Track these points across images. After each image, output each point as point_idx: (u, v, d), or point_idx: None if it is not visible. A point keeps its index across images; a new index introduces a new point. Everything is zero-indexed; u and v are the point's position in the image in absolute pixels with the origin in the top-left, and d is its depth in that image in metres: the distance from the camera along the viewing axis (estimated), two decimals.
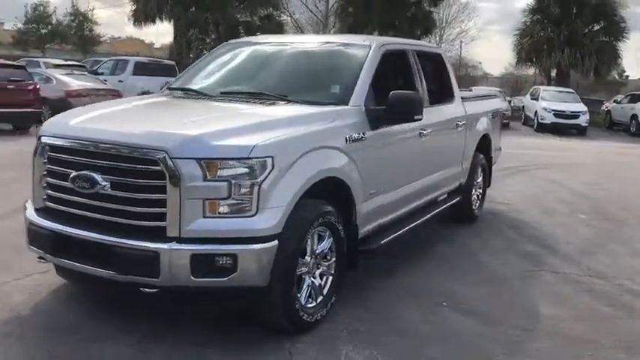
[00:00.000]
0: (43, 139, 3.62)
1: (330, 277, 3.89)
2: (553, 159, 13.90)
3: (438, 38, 51.91)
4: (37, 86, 14.10)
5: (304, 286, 3.66)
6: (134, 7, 30.81)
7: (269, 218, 3.25)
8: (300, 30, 36.89)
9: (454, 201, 6.06)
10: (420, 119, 4.41)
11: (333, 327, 3.78)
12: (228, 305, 3.71)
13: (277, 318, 3.50)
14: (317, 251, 3.74)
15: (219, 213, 3.17)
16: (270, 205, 3.25)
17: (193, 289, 3.23)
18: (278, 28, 30.62)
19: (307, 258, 3.66)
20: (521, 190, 9.25)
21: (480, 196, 7.05)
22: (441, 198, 5.93)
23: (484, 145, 6.94)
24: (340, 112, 4.04)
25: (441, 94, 5.85)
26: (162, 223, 3.16)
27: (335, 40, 5.07)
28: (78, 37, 47.97)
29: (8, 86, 13.18)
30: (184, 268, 3.13)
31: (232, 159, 3.18)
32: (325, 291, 3.85)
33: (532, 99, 25.21)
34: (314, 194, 3.61)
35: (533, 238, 6.29)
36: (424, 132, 5.01)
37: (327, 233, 3.79)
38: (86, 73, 18.88)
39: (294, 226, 3.41)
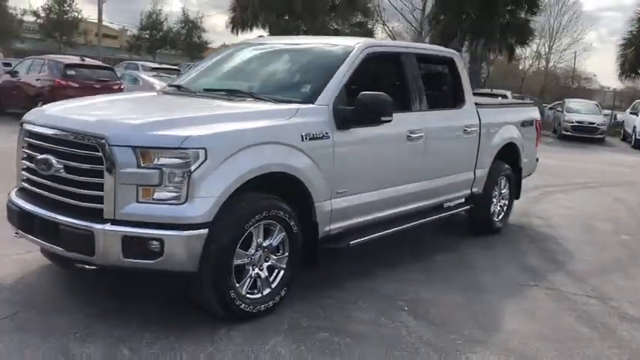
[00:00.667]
0: (23, 126, 4.01)
1: (282, 271, 3.97)
2: (632, 177, 12.96)
3: (545, 48, 49.70)
4: (122, 86, 15.20)
5: (246, 277, 3.76)
6: (232, 15, 32.17)
7: (199, 207, 3.40)
8: (393, 38, 36.81)
9: (460, 210, 5.90)
10: (388, 121, 4.36)
11: (278, 319, 3.85)
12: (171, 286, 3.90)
13: (210, 304, 3.64)
14: (264, 244, 3.83)
15: (151, 199, 3.37)
16: (200, 194, 3.40)
17: (126, 269, 3.45)
18: (368, 36, 30.73)
19: (252, 250, 3.77)
20: (576, 206, 8.76)
21: (505, 208, 6.77)
22: (449, 205, 5.80)
23: (510, 155, 6.69)
24: (302, 110, 4.11)
25: (448, 99, 5.74)
26: (100, 206, 3.41)
27: (328, 41, 5.13)
28: (187, 44, 51.07)
29: (95, 85, 14.33)
30: (116, 248, 3.36)
31: (165, 148, 3.36)
32: (275, 284, 3.94)
33: (631, 113, 23.54)
34: (260, 188, 3.72)
35: (547, 253, 5.98)
36: (414, 135, 4.95)
37: (277, 228, 3.88)
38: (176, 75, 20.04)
39: (230, 217, 3.53)
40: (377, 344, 3.63)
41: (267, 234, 3.87)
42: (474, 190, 6.13)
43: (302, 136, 3.96)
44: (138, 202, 3.37)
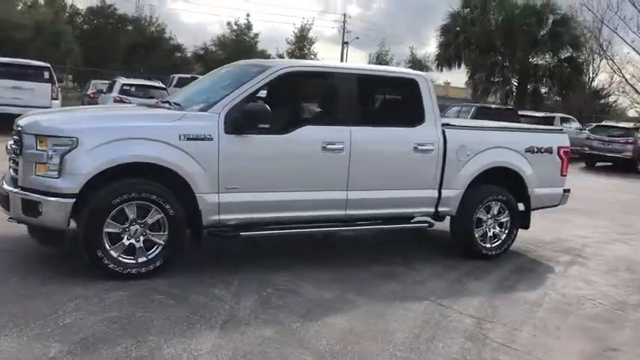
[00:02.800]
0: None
1: (159, 247, 4.87)
2: None
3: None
4: None
5: (118, 244, 4.75)
6: (437, 53, 32.96)
7: (67, 181, 4.54)
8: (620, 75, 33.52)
9: (408, 225, 6.02)
10: (265, 127, 5.00)
11: (145, 283, 4.73)
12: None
13: (84, 258, 4.71)
14: (139, 221, 4.79)
15: (41, 173, 4.61)
16: (70, 172, 4.54)
17: (26, 222, 4.74)
18: (577, 73, 28.79)
19: (127, 224, 4.76)
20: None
21: (504, 236, 6.50)
22: (389, 218, 5.99)
23: (510, 181, 6.47)
24: (189, 115, 5.02)
25: (398, 117, 5.98)
26: (16, 176, 4.78)
27: (266, 64, 5.87)
28: None
29: None
30: (18, 206, 4.68)
31: (49, 136, 4.59)
32: (152, 255, 4.86)
33: None
34: (142, 174, 4.73)
35: (508, 280, 5.72)
36: (332, 147, 5.40)
37: (153, 209, 4.81)
38: None
39: (99, 192, 4.60)
40: (189, 311, 4.29)
41: (145, 213, 4.82)
42: (443, 209, 6.14)
43: (179, 136, 4.84)
44: (34, 175, 4.64)
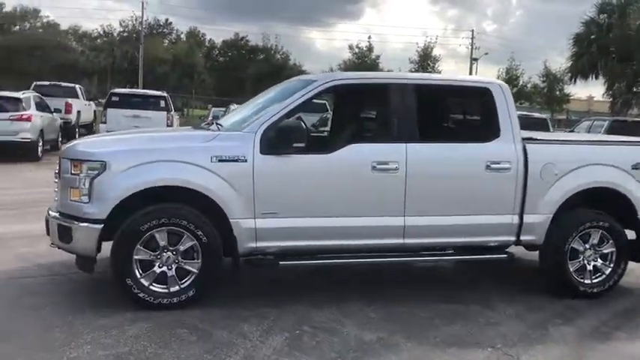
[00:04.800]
0: None
1: (193, 275, 4.57)
2: None
3: None
4: None
5: (150, 272, 4.51)
6: (569, 65, 30.61)
7: (96, 206, 4.40)
8: None
9: (481, 258, 5.20)
10: (301, 147, 4.53)
11: (174, 317, 4.44)
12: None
13: (116, 286, 4.53)
14: (170, 248, 4.53)
15: (75, 198, 4.52)
16: (99, 196, 4.40)
17: (62, 248, 4.67)
18: None
19: (158, 251, 4.52)
20: None
21: (608, 270, 5.44)
22: (457, 248, 5.26)
23: (614, 204, 5.42)
24: (223, 136, 4.71)
25: (467, 131, 5.24)
26: (57, 201, 4.75)
27: (312, 77, 5.40)
28: (546, 97, 50.02)
29: None
30: (55, 232, 4.63)
31: (83, 160, 4.50)
32: (185, 284, 4.57)
33: None
34: (177, 199, 4.51)
35: (606, 326, 4.73)
36: (384, 167, 4.82)
37: (185, 235, 4.53)
38: None
39: (127, 218, 4.41)
40: (205, 349, 3.91)
41: (177, 240, 4.55)
42: (526, 238, 5.25)
43: (211, 158, 4.54)
44: (70, 200, 4.56)
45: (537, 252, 5.52)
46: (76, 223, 4.46)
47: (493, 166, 5.08)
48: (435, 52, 46.95)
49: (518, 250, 5.50)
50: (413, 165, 4.88)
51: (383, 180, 4.84)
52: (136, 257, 4.47)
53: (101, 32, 58.51)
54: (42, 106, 15.18)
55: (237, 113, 5.63)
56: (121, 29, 56.44)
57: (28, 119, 13.75)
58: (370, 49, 45.45)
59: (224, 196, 4.55)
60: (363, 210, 4.85)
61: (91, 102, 23.10)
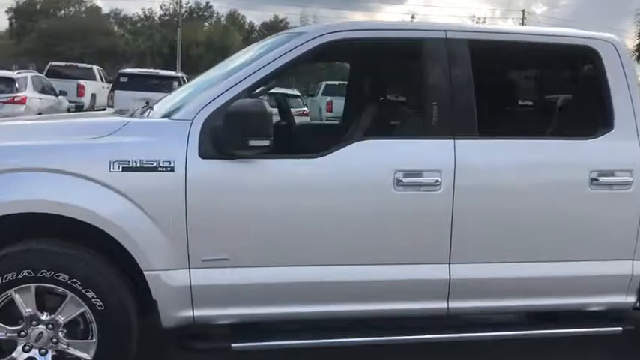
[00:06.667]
0: None
1: None
2: None
3: None
4: None
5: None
6: (637, 43, 27.59)
7: None
8: None
9: (576, 330, 3.10)
10: (264, 145, 2.54)
11: None
12: None
13: None
14: (43, 318, 2.64)
15: None
16: None
17: None
18: None
19: (21, 323, 2.63)
20: None
21: None
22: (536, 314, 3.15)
23: None
24: (133, 125, 2.76)
25: (549, 118, 3.14)
26: None
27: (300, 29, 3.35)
28: None
29: None
30: None
31: None
32: None
33: None
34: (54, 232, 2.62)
35: None
36: (417, 180, 2.80)
37: (68, 297, 2.64)
38: None
39: None
40: None
41: (56, 305, 2.66)
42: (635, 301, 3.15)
43: (110, 164, 2.61)
44: None
45: None
46: None
47: (602, 179, 2.97)
48: None
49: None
50: (465, 177, 2.84)
51: (413, 203, 2.83)
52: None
53: (142, 16, 57.87)
54: (42, 87, 13.62)
55: (184, 89, 3.63)
56: (162, 13, 55.64)
57: (22, 101, 12.17)
58: None
59: (132, 231, 2.62)
60: (376, 254, 2.84)
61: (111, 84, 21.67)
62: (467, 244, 2.90)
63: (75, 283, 2.59)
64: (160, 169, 2.63)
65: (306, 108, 17.23)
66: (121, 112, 3.51)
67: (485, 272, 2.94)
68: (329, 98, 18.07)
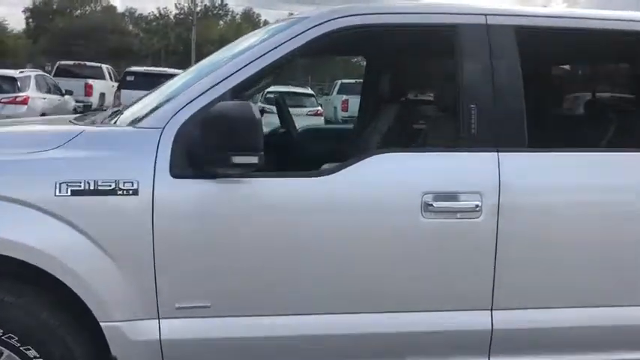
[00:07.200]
0: None
1: None
2: None
3: None
4: None
5: None
6: None
7: None
8: None
9: None
10: (251, 163, 1.94)
11: None
12: None
13: None
14: None
15: None
16: None
17: None
18: None
19: None
20: None
21: None
22: None
23: None
24: (89, 136, 2.17)
25: (624, 126, 2.48)
26: None
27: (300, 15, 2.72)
28: None
29: None
30: None
31: None
32: None
33: None
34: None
35: None
36: (449, 204, 2.18)
37: (3, 357, 2.07)
38: None
39: None
40: None
41: None
42: None
43: (57, 186, 2.02)
44: None
45: None
46: None
47: None
48: None
49: None
50: (513, 200, 2.22)
51: (446, 233, 2.21)
52: None
53: (157, 15, 57.90)
54: (46, 87, 13.15)
55: (164, 89, 3.01)
56: (177, 11, 55.61)
57: (24, 102, 11.70)
58: None
59: (85, 273, 2.04)
60: (398, 299, 2.23)
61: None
62: (514, 285, 2.27)
63: (11, 339, 2.02)
64: (119, 192, 2.03)
65: (320, 107, 16.69)
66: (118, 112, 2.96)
67: (536, 320, 2.31)
68: (344, 97, 17.49)
